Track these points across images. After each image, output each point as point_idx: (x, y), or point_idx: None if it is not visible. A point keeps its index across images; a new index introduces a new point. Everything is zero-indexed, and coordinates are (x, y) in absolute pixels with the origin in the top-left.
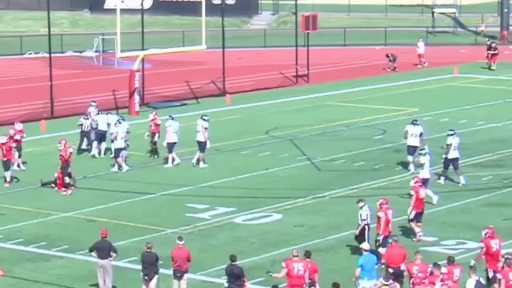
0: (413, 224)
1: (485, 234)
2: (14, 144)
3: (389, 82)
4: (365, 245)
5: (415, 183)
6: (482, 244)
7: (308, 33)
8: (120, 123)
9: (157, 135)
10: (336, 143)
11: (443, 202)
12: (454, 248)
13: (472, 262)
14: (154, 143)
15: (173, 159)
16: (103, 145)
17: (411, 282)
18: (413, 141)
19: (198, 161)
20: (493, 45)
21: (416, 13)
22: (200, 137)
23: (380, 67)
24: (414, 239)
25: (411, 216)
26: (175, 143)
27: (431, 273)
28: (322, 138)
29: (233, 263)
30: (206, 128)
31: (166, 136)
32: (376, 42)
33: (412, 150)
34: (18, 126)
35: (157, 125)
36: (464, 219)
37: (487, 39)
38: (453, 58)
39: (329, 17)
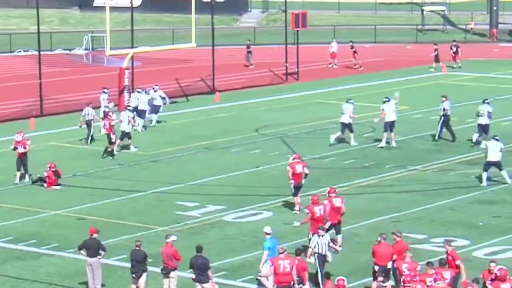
0: (297, 199)
1: (311, 201)
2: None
3: (378, 80)
4: (266, 229)
5: (293, 159)
6: (307, 211)
7: (297, 30)
8: (147, 93)
9: (109, 134)
10: (326, 141)
11: (433, 199)
12: (443, 246)
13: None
14: (110, 143)
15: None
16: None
17: (401, 280)
18: (482, 120)
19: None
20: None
21: (405, 11)
22: (345, 119)
23: (370, 64)
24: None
25: (292, 190)
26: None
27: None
28: (312, 136)
29: (199, 254)
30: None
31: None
32: (365, 40)
33: (480, 128)
34: (17, 137)
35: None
36: (453, 216)
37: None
38: (443, 56)
39: (319, 14)
